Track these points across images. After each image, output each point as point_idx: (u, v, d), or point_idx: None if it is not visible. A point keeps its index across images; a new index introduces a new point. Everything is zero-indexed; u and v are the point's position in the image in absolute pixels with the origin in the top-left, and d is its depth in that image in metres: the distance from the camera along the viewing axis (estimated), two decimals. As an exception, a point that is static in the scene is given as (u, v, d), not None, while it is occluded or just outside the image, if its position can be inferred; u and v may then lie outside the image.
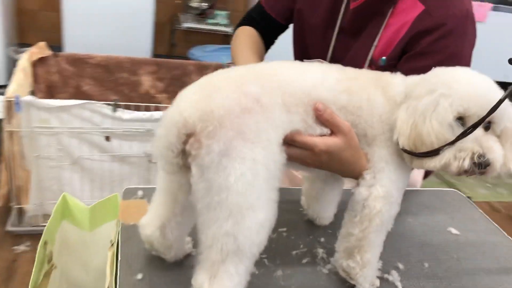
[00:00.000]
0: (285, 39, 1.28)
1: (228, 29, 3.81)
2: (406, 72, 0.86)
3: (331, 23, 1.09)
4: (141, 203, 1.03)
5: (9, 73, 2.90)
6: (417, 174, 1.23)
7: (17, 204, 2.06)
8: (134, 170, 2.15)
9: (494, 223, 1.15)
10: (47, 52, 2.41)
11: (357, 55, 1.04)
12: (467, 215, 1.17)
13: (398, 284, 0.89)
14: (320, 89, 0.76)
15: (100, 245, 1.07)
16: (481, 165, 0.73)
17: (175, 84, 2.67)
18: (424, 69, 0.91)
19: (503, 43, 4.06)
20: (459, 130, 0.74)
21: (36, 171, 2.03)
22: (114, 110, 2.01)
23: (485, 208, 2.89)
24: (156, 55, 3.59)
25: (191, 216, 0.82)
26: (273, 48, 1.25)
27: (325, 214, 1.01)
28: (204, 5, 3.80)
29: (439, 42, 0.92)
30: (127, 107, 2.06)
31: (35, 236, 2.12)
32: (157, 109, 2.09)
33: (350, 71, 0.83)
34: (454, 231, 1.09)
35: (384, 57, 0.99)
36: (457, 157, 0.74)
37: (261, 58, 1.13)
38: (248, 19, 1.21)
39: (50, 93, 2.49)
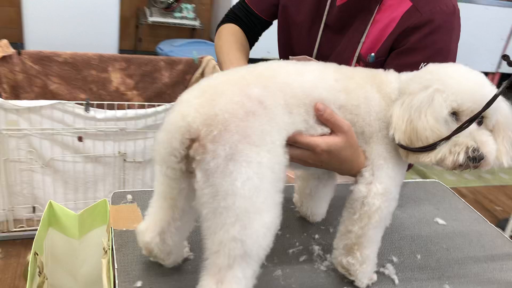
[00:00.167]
0: (268, 35, 1.27)
1: (196, 23, 3.76)
2: (396, 68, 0.87)
3: (317, 20, 1.09)
4: (131, 208, 1.01)
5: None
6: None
7: (-14, 210, 1.98)
8: (108, 171, 2.10)
9: (477, 212, 1.19)
10: (10, 50, 2.31)
11: (344, 51, 1.05)
12: (451, 205, 1.20)
13: (394, 277, 0.91)
14: (319, 89, 0.76)
15: (88, 252, 1.04)
16: (475, 159, 0.75)
17: (145, 80, 2.61)
18: (413, 65, 0.93)
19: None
20: (454, 124, 0.75)
21: (5, 175, 1.95)
22: (87, 110, 1.95)
23: (453, 194, 2.99)
24: (121, 50, 3.50)
25: (190, 220, 0.81)
26: (256, 43, 1.24)
27: (318, 210, 1.02)
28: (170, -2, 3.74)
29: (427, 38, 0.94)
30: (100, 106, 2.00)
31: (6, 243, 2.05)
32: (130, 107, 2.04)
33: (346, 69, 0.83)
34: (440, 221, 1.12)
35: (373, 54, 1.00)
36: (452, 152, 0.75)
37: (246, 56, 1.12)
38: (231, 16, 1.20)
39: (15, 93, 2.39)
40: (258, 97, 0.69)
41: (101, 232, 1.02)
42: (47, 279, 0.89)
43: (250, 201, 0.65)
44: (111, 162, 2.09)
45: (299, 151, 0.76)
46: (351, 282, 0.87)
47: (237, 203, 0.65)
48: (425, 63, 0.93)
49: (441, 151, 0.75)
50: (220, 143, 0.65)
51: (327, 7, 1.06)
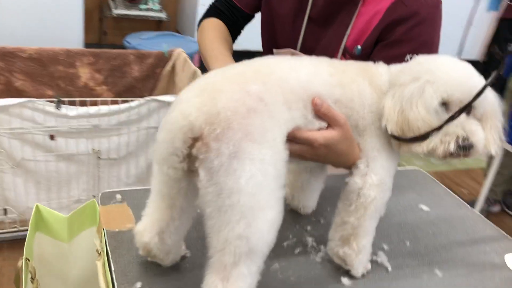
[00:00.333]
0: (251, 28, 1.26)
1: (162, 15, 3.69)
2: (382, 60, 0.88)
3: (300, 12, 1.09)
4: (122, 208, 0.99)
5: None
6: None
7: (-46, 214, 1.90)
8: (82, 169, 2.05)
9: (458, 197, 1.23)
10: (-29, 47, 2.21)
11: (329, 44, 1.06)
12: (433, 192, 1.24)
13: (387, 264, 0.93)
14: (315, 84, 0.77)
15: (78, 255, 1.01)
16: (465, 148, 0.78)
17: (115, 75, 2.55)
18: (399, 57, 0.95)
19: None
20: (444, 115, 0.77)
21: (-27, 178, 1.88)
22: (58, 107, 1.89)
23: (421, 179, 3.08)
24: (87, 45, 3.41)
25: (188, 219, 0.81)
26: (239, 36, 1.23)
27: (310, 203, 1.03)
28: (134, -10, 3.66)
29: (412, 30, 0.96)
30: (72, 103, 1.95)
31: (-24, 247, 1.98)
32: (104, 103, 1.99)
33: (338, 63, 0.84)
34: (424, 208, 1.16)
35: (359, 46, 1.01)
36: (443, 141, 0.78)
37: (231, 50, 1.11)
38: (213, 11, 1.18)
39: (-23, 91, 2.29)
40: (258, 94, 0.69)
41: (90, 234, 1.00)
42: (39, 284, 0.86)
43: (254, 198, 0.66)
44: (85, 160, 2.04)
45: (297, 146, 0.76)
46: (347, 272, 0.89)
47: (241, 200, 0.65)
48: (411, 55, 0.95)
49: (433, 141, 0.78)
50: (224, 141, 0.64)
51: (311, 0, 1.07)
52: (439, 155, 0.79)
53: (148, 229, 0.79)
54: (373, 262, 0.93)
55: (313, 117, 0.76)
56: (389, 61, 0.88)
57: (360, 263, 0.87)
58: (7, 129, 1.85)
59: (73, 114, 1.93)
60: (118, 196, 1.01)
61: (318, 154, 0.79)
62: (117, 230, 0.92)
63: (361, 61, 0.88)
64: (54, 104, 1.89)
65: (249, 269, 0.69)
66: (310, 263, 0.92)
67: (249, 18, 1.20)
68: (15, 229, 2.01)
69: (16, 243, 2.01)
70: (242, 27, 1.22)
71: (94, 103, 2.00)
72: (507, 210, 2.81)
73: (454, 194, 1.24)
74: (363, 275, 0.89)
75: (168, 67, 2.62)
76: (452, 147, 0.77)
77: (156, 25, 3.92)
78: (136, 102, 2.01)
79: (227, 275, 0.68)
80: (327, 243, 0.91)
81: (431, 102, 0.77)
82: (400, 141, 0.80)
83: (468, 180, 3.19)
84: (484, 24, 4.73)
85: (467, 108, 0.77)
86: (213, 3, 1.20)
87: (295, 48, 1.12)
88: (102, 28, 3.77)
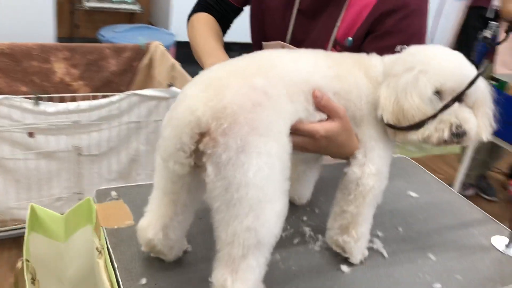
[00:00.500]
0: (236, 20, 1.26)
1: (135, 7, 3.63)
2: (373, 52, 0.90)
3: (290, 5, 1.10)
4: (118, 204, 0.98)
5: None
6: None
7: None
8: (63, 166, 2.02)
9: (444, 183, 1.27)
10: None
11: (319, 36, 1.07)
12: (420, 178, 1.28)
13: (383, 251, 0.96)
14: (315, 76, 0.78)
15: (73, 254, 1.00)
16: (458, 135, 0.80)
17: (91, 69, 2.51)
18: (389, 48, 0.97)
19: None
20: (437, 103, 0.80)
21: (-51, 178, 1.83)
22: (37, 104, 1.85)
23: (398, 165, 3.15)
24: (59, 39, 3.33)
25: (191, 213, 0.81)
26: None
27: (305, 193, 1.05)
28: (106, -18, 3.58)
29: (402, 22, 0.98)
30: (50, 99, 1.90)
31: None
32: (84, 98, 1.96)
33: (335, 55, 0.85)
34: (413, 194, 1.19)
35: (350, 38, 1.02)
36: (437, 129, 0.80)
37: (222, 45, 1.11)
38: (203, 5, 1.18)
39: None
40: (262, 88, 0.69)
41: (85, 232, 0.99)
42: (40, 284, 0.85)
43: (262, 191, 0.67)
44: (65, 157, 2.00)
45: (300, 139, 0.78)
46: (346, 259, 0.91)
47: (249, 193, 0.66)
48: (401, 46, 0.97)
49: (428, 129, 0.80)
50: (231, 136, 0.65)
51: (300, -8, 1.07)
52: (434, 143, 0.81)
53: (152, 225, 0.79)
54: (369, 249, 0.95)
55: (314, 109, 0.78)
56: (379, 52, 0.90)
57: (358, 251, 0.89)
58: (-17, 128, 1.80)
59: (52, 111, 1.89)
60: (114, 193, 1.01)
61: (320, 145, 0.80)
62: (116, 227, 0.91)
63: (353, 53, 0.90)
64: (32, 101, 1.84)
65: (257, 261, 0.70)
66: (309, 253, 0.93)
67: (238, 11, 1.20)
68: (-5, 229, 1.97)
69: (-4, 244, 1.97)
70: (231, 21, 1.21)
71: (74, 99, 1.96)
72: (481, 193, 2.91)
73: (439, 180, 1.28)
74: (361, 262, 0.92)
75: (145, 60, 2.59)
76: (446, 134, 0.80)
77: (129, 17, 3.86)
78: (116, 96, 1.98)
79: (236, 268, 0.68)
80: (326, 232, 0.93)
81: (425, 91, 0.79)
82: (396, 129, 0.82)
83: (443, 165, 3.28)
84: (453, 13, 4.84)
85: (460, 97, 0.79)
86: None
87: (284, 40, 1.13)
88: (74, 21, 3.68)
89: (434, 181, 1.28)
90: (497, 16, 2.90)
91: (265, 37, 1.15)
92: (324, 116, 0.79)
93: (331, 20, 1.05)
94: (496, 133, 0.88)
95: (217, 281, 0.69)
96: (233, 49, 1.90)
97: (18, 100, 1.83)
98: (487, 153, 2.76)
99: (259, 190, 0.66)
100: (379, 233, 1.01)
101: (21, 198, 1.98)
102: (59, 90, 2.42)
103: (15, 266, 0.87)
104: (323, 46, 1.06)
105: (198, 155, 0.68)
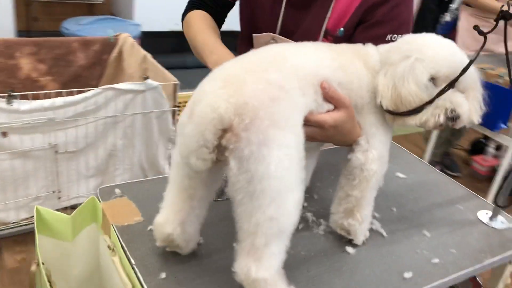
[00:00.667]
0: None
1: (95, -2, 3.54)
2: (364, 41, 0.94)
3: (279, -3, 1.12)
4: (124, 202, 0.99)
5: None
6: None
7: None
8: (39, 165, 1.97)
9: (427, 163, 1.34)
10: None
11: (310, 27, 1.10)
12: (404, 160, 1.34)
13: (382, 230, 1.01)
14: (322, 68, 0.81)
15: (79, 253, 1.00)
16: (453, 119, 0.86)
17: (59, 64, 2.44)
18: (380, 37, 1.01)
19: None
20: (433, 89, 0.85)
21: None
22: (10, 102, 1.79)
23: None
24: (18, 32, 3.21)
25: (206, 205, 0.83)
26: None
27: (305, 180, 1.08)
28: (62, -28, 3.47)
29: (392, 11, 1.02)
30: (24, 97, 1.85)
31: None
32: (59, 95, 1.91)
33: (335, 47, 0.88)
34: (401, 175, 1.25)
35: (342, 28, 1.06)
36: (433, 114, 0.85)
37: (220, 40, 1.12)
38: (196, 2, 1.18)
39: None
40: (277, 82, 0.72)
41: (91, 231, 0.99)
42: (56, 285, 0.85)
43: (283, 182, 0.70)
44: (42, 156, 1.96)
45: (310, 129, 0.81)
46: (349, 241, 0.96)
47: (272, 185, 0.69)
48: (391, 35, 1.01)
49: (425, 114, 0.85)
50: (252, 131, 0.67)
51: (289, -17, 1.10)
52: (430, 126, 0.87)
53: (170, 220, 0.80)
54: (369, 230, 1.01)
55: (322, 100, 0.81)
56: (370, 41, 0.94)
57: (362, 232, 0.94)
58: (-46, 130, 1.73)
59: (26, 109, 1.83)
60: (117, 191, 1.01)
61: (327, 135, 0.84)
62: (126, 224, 0.92)
63: (344, 43, 0.94)
64: (4, 100, 1.79)
65: (279, 248, 0.73)
66: (314, 237, 0.98)
67: (231, 5, 1.21)
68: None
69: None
70: (225, 16, 1.22)
71: (48, 96, 1.91)
72: (446, 170, 3.05)
73: (422, 160, 1.35)
74: (363, 243, 0.96)
75: (114, 53, 2.54)
76: (441, 119, 0.85)
77: (89, 9, 3.76)
78: (92, 91, 1.94)
79: (259, 256, 0.71)
80: (330, 216, 0.97)
81: (421, 78, 0.84)
82: (395, 115, 0.87)
83: (408, 145, 3.40)
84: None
85: (454, 83, 0.84)
86: None
87: (274, 32, 1.15)
88: (31, 13, 3.55)
89: (418, 161, 1.34)
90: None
91: (255, 29, 1.16)
92: (331, 106, 0.83)
93: (321, 11, 1.07)
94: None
95: (241, 270, 0.72)
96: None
97: (-11, 99, 1.77)
98: (450, 131, 2.89)
99: (280, 181, 0.69)
100: (376, 214, 1.06)
101: (-4, 200, 1.93)
102: (26, 87, 2.34)
103: (29, 269, 0.87)
104: (314, 37, 1.09)
105: (220, 150, 0.70)
